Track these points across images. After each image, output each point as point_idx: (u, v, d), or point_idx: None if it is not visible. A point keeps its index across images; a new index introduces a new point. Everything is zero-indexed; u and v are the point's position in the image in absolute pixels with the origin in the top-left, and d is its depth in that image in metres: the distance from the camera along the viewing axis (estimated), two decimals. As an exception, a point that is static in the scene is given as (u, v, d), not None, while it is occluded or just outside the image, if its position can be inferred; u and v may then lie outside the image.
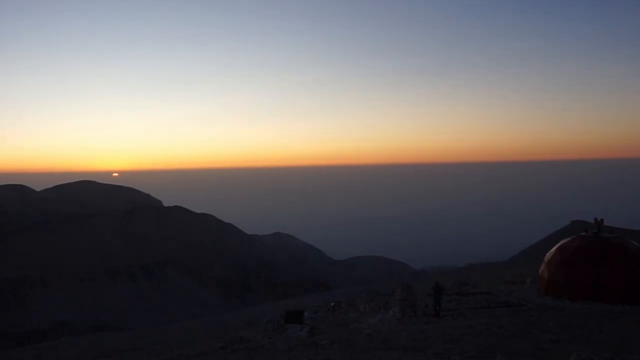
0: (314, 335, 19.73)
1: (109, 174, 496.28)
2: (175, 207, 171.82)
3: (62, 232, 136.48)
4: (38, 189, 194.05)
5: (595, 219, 29.00)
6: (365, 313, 28.03)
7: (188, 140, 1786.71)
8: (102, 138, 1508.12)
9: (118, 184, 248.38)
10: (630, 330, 19.43)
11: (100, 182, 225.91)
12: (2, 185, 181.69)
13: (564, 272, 27.21)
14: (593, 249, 27.21)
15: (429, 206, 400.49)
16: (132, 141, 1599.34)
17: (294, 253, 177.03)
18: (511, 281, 35.46)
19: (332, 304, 32.42)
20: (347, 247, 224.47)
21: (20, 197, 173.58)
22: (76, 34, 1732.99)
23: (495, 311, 25.01)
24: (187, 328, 41.94)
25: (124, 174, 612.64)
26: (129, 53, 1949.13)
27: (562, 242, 29.36)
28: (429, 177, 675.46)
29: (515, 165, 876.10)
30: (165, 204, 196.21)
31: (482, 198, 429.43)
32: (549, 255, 29.25)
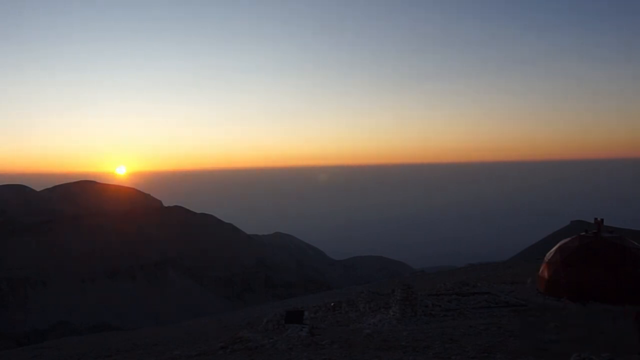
0: (314, 335, 19.72)
1: (109, 174, 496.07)
2: (175, 207, 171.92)
3: (62, 232, 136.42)
4: (38, 189, 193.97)
5: (595, 219, 28.93)
6: (365, 313, 28.02)
7: (188, 141, 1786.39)
8: (102, 138, 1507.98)
9: (118, 184, 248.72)
10: (630, 330, 19.39)
11: (100, 182, 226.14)
12: (2, 185, 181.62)
13: (564, 272, 27.19)
14: (593, 249, 27.20)
15: (428, 206, 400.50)
16: (132, 141, 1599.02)
17: (294, 253, 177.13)
18: (511, 281, 35.45)
19: (332, 304, 32.42)
20: (347, 247, 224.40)
21: (20, 197, 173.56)
22: (78, 33, 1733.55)
23: (495, 311, 25.03)
24: (187, 328, 41.90)
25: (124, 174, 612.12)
26: (128, 53, 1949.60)
27: (562, 242, 29.32)
28: (428, 177, 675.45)
29: (515, 165, 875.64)
30: (165, 204, 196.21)
31: (482, 198, 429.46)
32: (549, 255, 29.22)
